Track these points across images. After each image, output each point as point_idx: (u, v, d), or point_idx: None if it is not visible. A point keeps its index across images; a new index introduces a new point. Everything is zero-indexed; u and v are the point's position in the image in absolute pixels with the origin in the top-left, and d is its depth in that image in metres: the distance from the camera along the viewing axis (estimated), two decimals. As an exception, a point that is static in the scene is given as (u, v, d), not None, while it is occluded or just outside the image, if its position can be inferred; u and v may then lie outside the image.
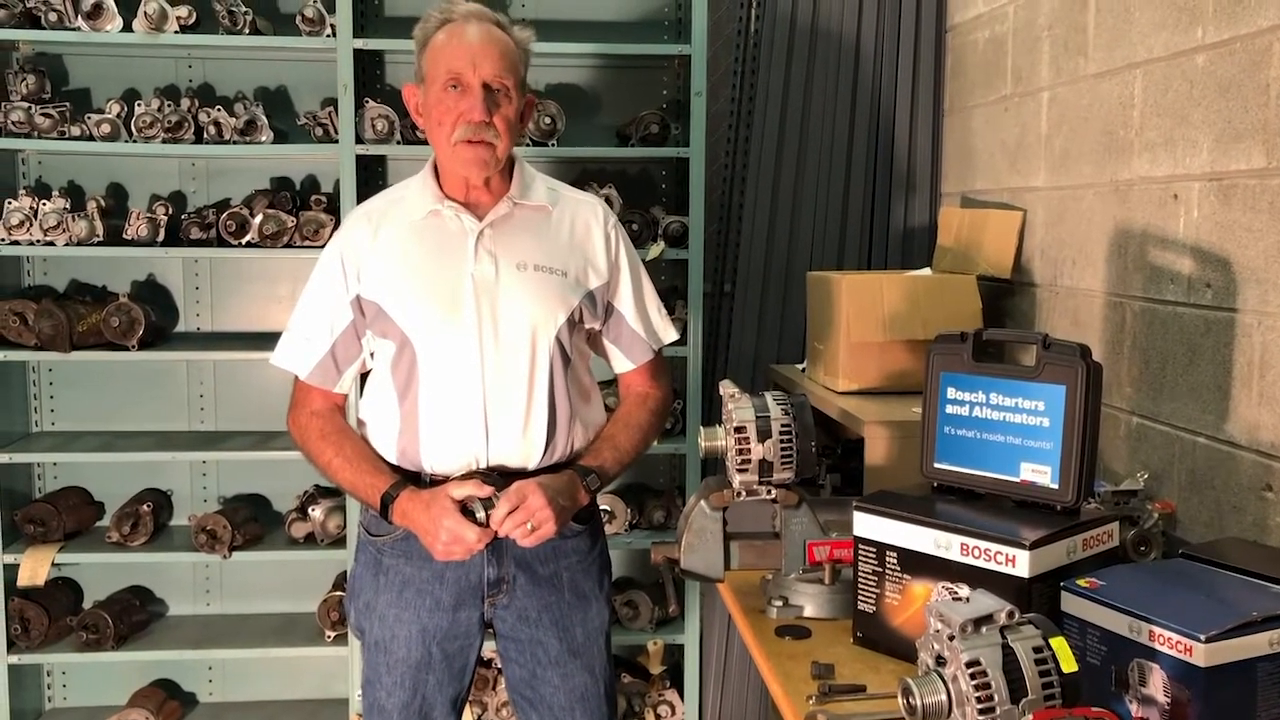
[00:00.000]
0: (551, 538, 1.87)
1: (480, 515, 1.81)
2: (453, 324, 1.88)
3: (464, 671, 2.00)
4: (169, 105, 3.02)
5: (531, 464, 1.92)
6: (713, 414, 3.10)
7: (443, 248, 1.91)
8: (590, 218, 2.00)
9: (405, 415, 1.92)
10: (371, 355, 1.99)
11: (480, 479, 1.85)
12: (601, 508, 3.19)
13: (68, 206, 3.02)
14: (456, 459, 1.90)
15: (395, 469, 1.93)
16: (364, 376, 2.06)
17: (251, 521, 3.20)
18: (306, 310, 2.00)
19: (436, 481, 1.90)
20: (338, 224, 3.01)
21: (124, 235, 3.04)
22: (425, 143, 3.04)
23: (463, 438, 1.89)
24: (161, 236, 3.04)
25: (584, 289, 1.95)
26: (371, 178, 3.25)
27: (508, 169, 1.97)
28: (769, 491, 1.85)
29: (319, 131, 3.06)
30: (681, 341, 3.16)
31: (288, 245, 3.04)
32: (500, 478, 1.87)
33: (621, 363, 2.06)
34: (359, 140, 3.01)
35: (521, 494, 1.82)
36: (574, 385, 1.97)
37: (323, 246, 3.00)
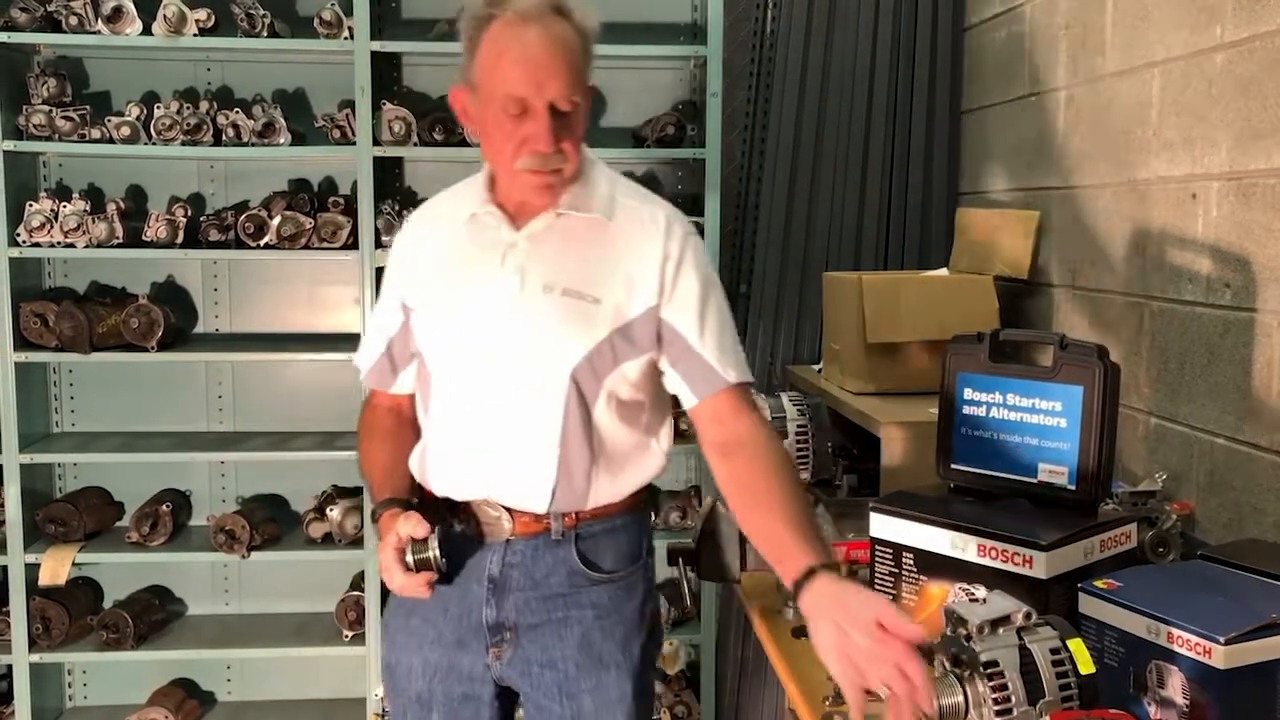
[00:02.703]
0: (562, 589, 1.68)
1: (409, 559, 1.59)
2: (463, 344, 1.68)
3: None
4: (188, 108, 3.04)
5: (540, 508, 1.67)
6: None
7: (473, 258, 1.69)
8: (650, 233, 1.67)
9: (425, 431, 1.76)
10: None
11: (439, 515, 1.66)
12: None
13: (88, 209, 3.04)
14: (461, 488, 1.70)
15: (417, 485, 1.77)
16: None
17: (270, 522, 3.21)
18: (376, 308, 1.86)
19: (454, 507, 1.72)
20: (355, 226, 3.04)
21: (143, 237, 3.06)
22: (442, 144, 3.08)
23: (465, 467, 1.69)
24: (180, 238, 3.06)
25: (622, 319, 1.64)
26: (389, 179, 3.26)
27: None
28: (785, 492, 1.84)
29: (336, 133, 3.08)
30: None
31: (305, 247, 3.06)
32: (506, 509, 1.68)
33: (686, 395, 1.69)
34: (376, 142, 3.02)
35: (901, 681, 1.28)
36: (604, 430, 1.67)
37: (341, 248, 3.06)
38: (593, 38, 1.64)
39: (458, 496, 1.70)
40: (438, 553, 1.59)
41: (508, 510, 1.67)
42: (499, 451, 1.66)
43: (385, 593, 3.10)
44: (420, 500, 1.74)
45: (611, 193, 1.70)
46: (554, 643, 1.68)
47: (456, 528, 1.69)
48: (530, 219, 1.66)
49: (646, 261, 1.65)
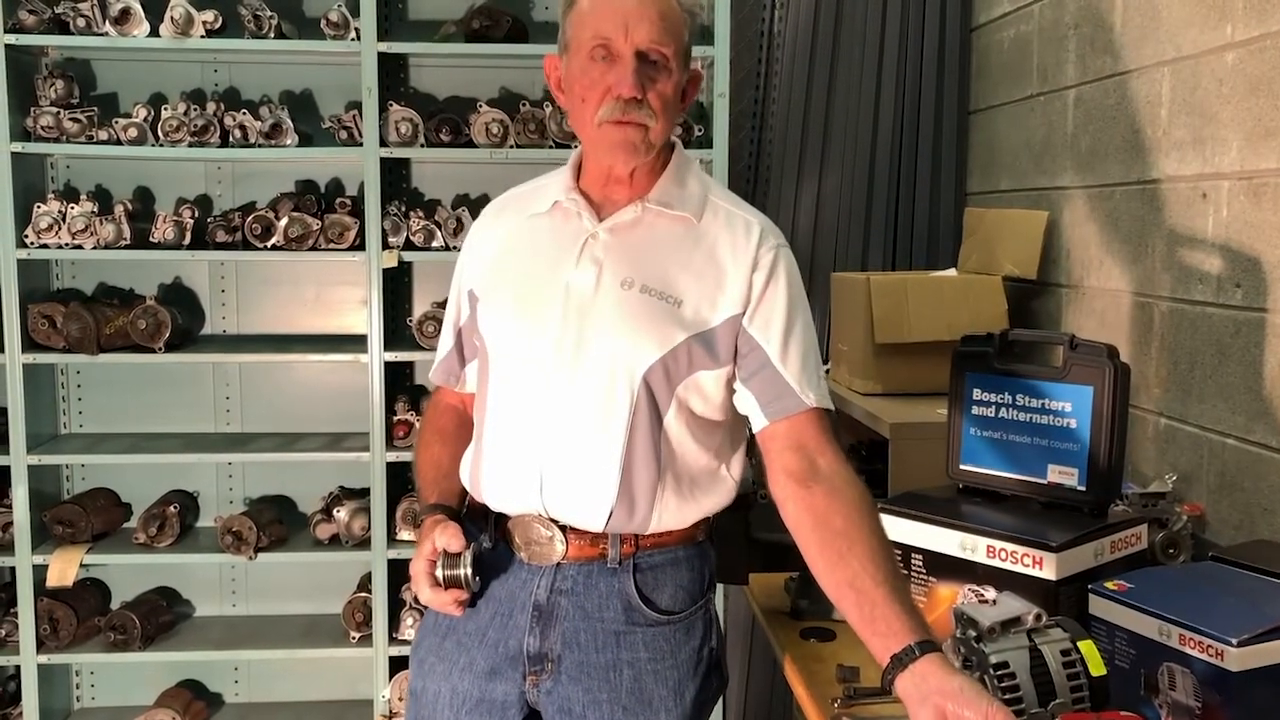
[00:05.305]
0: (616, 625, 1.55)
1: (439, 573, 1.52)
2: (530, 340, 1.56)
3: None
4: (195, 109, 3.04)
5: (597, 524, 1.54)
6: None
7: (550, 248, 1.59)
8: (741, 240, 1.57)
9: (478, 436, 1.65)
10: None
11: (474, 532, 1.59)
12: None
13: (95, 210, 3.04)
14: (513, 499, 1.58)
15: (464, 493, 1.69)
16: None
17: (277, 523, 3.21)
18: (448, 302, 1.77)
19: (502, 521, 1.61)
20: (362, 227, 3.04)
21: (150, 238, 3.06)
22: (449, 145, 3.07)
23: (517, 478, 1.57)
24: (188, 239, 3.06)
25: (703, 325, 1.53)
26: (396, 180, 3.26)
27: (660, 164, 1.61)
28: (793, 493, 1.83)
29: (343, 134, 3.08)
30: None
31: (313, 248, 3.06)
32: (560, 529, 1.56)
33: (757, 416, 1.55)
34: (383, 143, 3.02)
35: None
36: (673, 443, 1.55)
37: (348, 249, 3.06)
38: (693, 12, 1.60)
39: (510, 510, 1.59)
40: (469, 571, 1.51)
41: (561, 530, 1.55)
42: (558, 456, 1.54)
43: (393, 594, 3.11)
44: (469, 511, 1.67)
45: (703, 193, 1.61)
46: (601, 685, 1.55)
47: (486, 544, 1.59)
48: (615, 210, 1.58)
49: (735, 268, 1.56)
